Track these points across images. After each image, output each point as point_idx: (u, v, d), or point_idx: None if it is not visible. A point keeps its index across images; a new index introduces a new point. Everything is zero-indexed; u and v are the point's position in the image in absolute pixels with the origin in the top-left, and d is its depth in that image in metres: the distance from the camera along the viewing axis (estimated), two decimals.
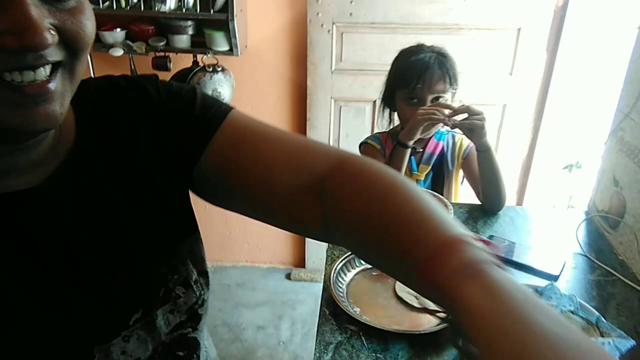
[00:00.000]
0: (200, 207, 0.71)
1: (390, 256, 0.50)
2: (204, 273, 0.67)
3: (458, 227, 0.47)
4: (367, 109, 2.37)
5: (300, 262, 2.76)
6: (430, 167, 1.56)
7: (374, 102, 2.31)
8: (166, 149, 0.59)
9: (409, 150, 1.40)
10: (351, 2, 2.18)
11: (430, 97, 1.41)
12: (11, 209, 0.49)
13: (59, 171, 0.53)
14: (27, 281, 0.50)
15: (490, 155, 1.37)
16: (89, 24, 0.46)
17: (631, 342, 0.90)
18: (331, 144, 2.43)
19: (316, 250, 2.67)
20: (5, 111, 0.42)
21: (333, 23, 2.22)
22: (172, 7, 2.05)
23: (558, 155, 2.38)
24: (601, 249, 1.35)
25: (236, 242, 2.69)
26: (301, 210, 0.58)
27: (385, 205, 0.51)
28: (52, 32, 0.42)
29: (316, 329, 1.05)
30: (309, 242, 2.67)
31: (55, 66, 0.44)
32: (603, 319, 0.96)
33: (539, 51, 2.22)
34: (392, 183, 0.53)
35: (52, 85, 0.44)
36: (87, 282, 0.54)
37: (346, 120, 2.40)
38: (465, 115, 1.33)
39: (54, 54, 0.43)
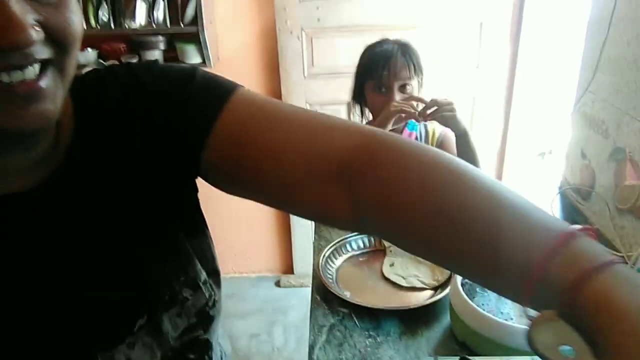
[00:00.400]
0: None
1: (476, 261, 0.43)
2: (214, 272, 0.64)
3: (558, 221, 0.41)
4: (342, 111, 2.42)
5: (289, 269, 2.77)
6: None
7: (348, 103, 2.35)
8: (168, 142, 0.55)
9: None
10: (317, 8, 2.24)
11: (396, 85, 1.45)
12: (9, 211, 0.48)
13: (57, 172, 0.51)
14: (26, 286, 0.49)
15: (468, 140, 1.42)
16: (75, 18, 0.44)
17: None
18: None
19: (304, 255, 2.68)
20: None
21: (302, 29, 2.27)
22: (143, 23, 2.08)
23: (531, 142, 2.45)
24: (575, 221, 1.41)
25: (223, 254, 2.69)
26: (324, 202, 0.52)
27: (456, 197, 0.44)
28: (37, 28, 0.40)
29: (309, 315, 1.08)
30: (296, 248, 2.69)
31: (45, 64, 0.43)
32: None
33: (502, 43, 2.30)
34: (449, 165, 0.47)
35: (43, 83, 0.42)
36: (88, 286, 0.52)
37: None
38: (435, 108, 1.39)
39: (42, 52, 0.42)
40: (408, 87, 1.47)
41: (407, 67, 1.46)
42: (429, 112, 1.39)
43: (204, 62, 2.19)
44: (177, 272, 0.58)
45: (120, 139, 0.55)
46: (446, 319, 1.03)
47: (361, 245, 1.27)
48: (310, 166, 0.52)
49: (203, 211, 0.64)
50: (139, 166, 0.55)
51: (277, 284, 2.74)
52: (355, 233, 1.26)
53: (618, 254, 1.23)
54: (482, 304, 0.96)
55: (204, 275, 0.62)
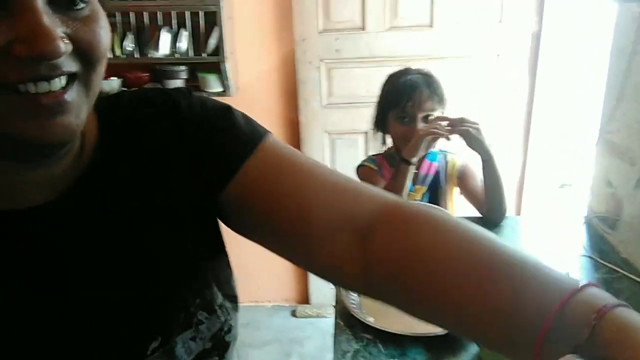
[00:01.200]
0: None
1: (490, 318, 0.44)
2: (231, 297, 0.62)
3: (568, 277, 0.43)
4: (359, 140, 2.43)
5: (305, 299, 2.74)
6: (426, 187, 1.60)
7: (366, 133, 2.37)
8: (195, 169, 0.56)
9: (413, 167, 1.44)
10: (336, 39, 2.28)
11: (420, 115, 1.47)
12: (22, 226, 0.48)
13: (76, 187, 0.51)
14: (37, 305, 0.48)
15: (493, 164, 1.42)
16: (103, 34, 0.44)
17: None
18: None
19: (320, 285, 2.65)
20: (21, 123, 0.41)
21: (321, 60, 2.30)
22: (166, 53, 2.13)
23: (550, 174, 2.43)
24: (603, 250, 1.38)
25: (238, 283, 2.66)
26: (339, 254, 0.53)
27: (471, 257, 0.46)
28: (66, 40, 0.40)
29: (332, 341, 1.05)
30: (313, 278, 2.65)
31: (71, 78, 0.43)
32: None
33: (520, 75, 2.31)
34: (466, 232, 0.48)
35: (68, 97, 0.42)
36: (102, 307, 0.51)
37: (340, 152, 2.45)
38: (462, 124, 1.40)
39: (68, 64, 0.42)
40: (431, 117, 1.48)
41: (432, 99, 1.48)
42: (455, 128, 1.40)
43: (224, 91, 2.23)
44: (194, 294, 0.57)
45: (146, 159, 0.55)
46: (473, 347, 1.00)
47: None
48: (332, 222, 0.53)
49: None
50: (161, 188, 0.55)
51: (293, 313, 2.70)
52: None
53: None
54: None
55: (220, 298, 0.60)
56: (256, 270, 2.66)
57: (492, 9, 2.23)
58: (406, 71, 1.55)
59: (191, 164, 0.56)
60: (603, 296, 0.40)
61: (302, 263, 0.58)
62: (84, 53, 0.43)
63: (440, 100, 1.51)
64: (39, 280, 0.48)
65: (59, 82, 0.42)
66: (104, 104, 0.51)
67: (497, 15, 2.24)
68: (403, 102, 1.47)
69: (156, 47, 2.11)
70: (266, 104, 2.38)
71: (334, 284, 0.57)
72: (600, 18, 2.01)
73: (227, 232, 0.62)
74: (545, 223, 1.57)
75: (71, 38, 0.41)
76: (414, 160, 1.43)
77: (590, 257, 1.34)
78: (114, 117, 0.55)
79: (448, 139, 1.40)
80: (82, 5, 0.42)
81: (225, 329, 0.60)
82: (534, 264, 0.44)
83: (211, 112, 0.58)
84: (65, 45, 0.40)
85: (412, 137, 1.45)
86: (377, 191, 0.56)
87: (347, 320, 1.07)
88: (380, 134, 1.64)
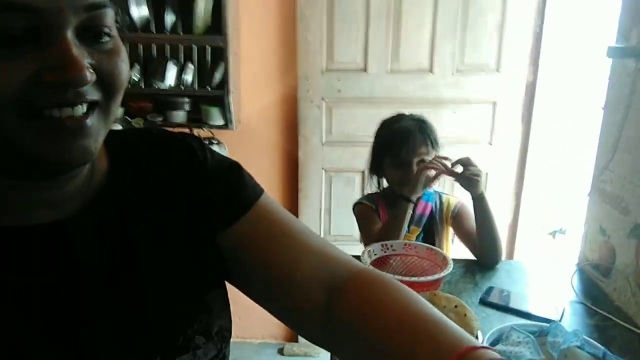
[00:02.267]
0: None
1: None
2: (226, 328, 0.64)
3: (470, 339, 0.48)
4: (356, 179, 2.46)
5: (293, 337, 2.70)
6: (420, 228, 1.63)
7: (363, 172, 2.40)
8: (197, 209, 0.61)
9: (412, 205, 1.47)
10: (339, 80, 2.34)
11: (415, 160, 1.51)
12: (34, 242, 0.50)
13: (85, 209, 0.53)
14: (38, 321, 0.49)
15: (485, 203, 1.45)
16: (124, 66, 0.49)
17: None
18: (322, 213, 2.49)
19: None
20: (44, 144, 0.44)
21: (322, 99, 2.36)
22: (172, 84, 2.17)
23: (542, 220, 2.46)
24: (596, 297, 1.39)
25: None
26: (312, 310, 0.59)
27: (399, 320, 0.52)
28: (91, 70, 0.44)
29: None
30: None
31: (92, 105, 0.46)
32: (609, 352, 0.98)
33: (514, 122, 2.38)
34: (405, 299, 0.55)
35: (89, 121, 0.46)
36: (103, 326, 0.53)
37: (337, 189, 2.47)
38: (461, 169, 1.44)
39: (92, 93, 0.46)
40: (426, 160, 1.52)
41: (425, 143, 1.52)
42: (458, 169, 1.43)
43: (226, 124, 2.25)
44: (193, 318, 0.59)
45: (153, 190, 0.59)
46: None
47: None
48: (312, 283, 0.60)
49: None
50: (164, 218, 0.59)
51: (281, 351, 2.65)
52: None
53: (639, 330, 1.21)
54: None
55: (217, 326, 0.62)
56: (245, 306, 2.60)
57: (491, 58, 2.31)
58: (399, 117, 1.60)
59: (194, 203, 0.60)
60: (495, 356, 0.44)
61: (275, 311, 0.63)
62: (106, 83, 0.47)
63: (434, 144, 1.55)
64: (39, 297, 0.50)
65: (81, 108, 0.45)
66: (112, 137, 0.54)
67: (494, 64, 2.32)
68: (397, 148, 1.52)
69: (162, 79, 2.15)
70: (266, 139, 2.42)
71: (299, 332, 0.63)
72: (594, 70, 2.08)
73: None
74: (538, 268, 1.59)
75: (95, 69, 0.45)
76: (414, 198, 1.46)
77: (583, 303, 1.35)
78: (123, 150, 0.59)
79: (447, 174, 1.44)
80: (106, 39, 0.47)
81: (220, 356, 0.62)
82: (450, 326, 0.50)
83: (220, 161, 0.64)
84: (90, 75, 0.44)
85: (407, 181, 1.49)
86: (349, 258, 0.63)
87: None
88: (375, 178, 1.68)
